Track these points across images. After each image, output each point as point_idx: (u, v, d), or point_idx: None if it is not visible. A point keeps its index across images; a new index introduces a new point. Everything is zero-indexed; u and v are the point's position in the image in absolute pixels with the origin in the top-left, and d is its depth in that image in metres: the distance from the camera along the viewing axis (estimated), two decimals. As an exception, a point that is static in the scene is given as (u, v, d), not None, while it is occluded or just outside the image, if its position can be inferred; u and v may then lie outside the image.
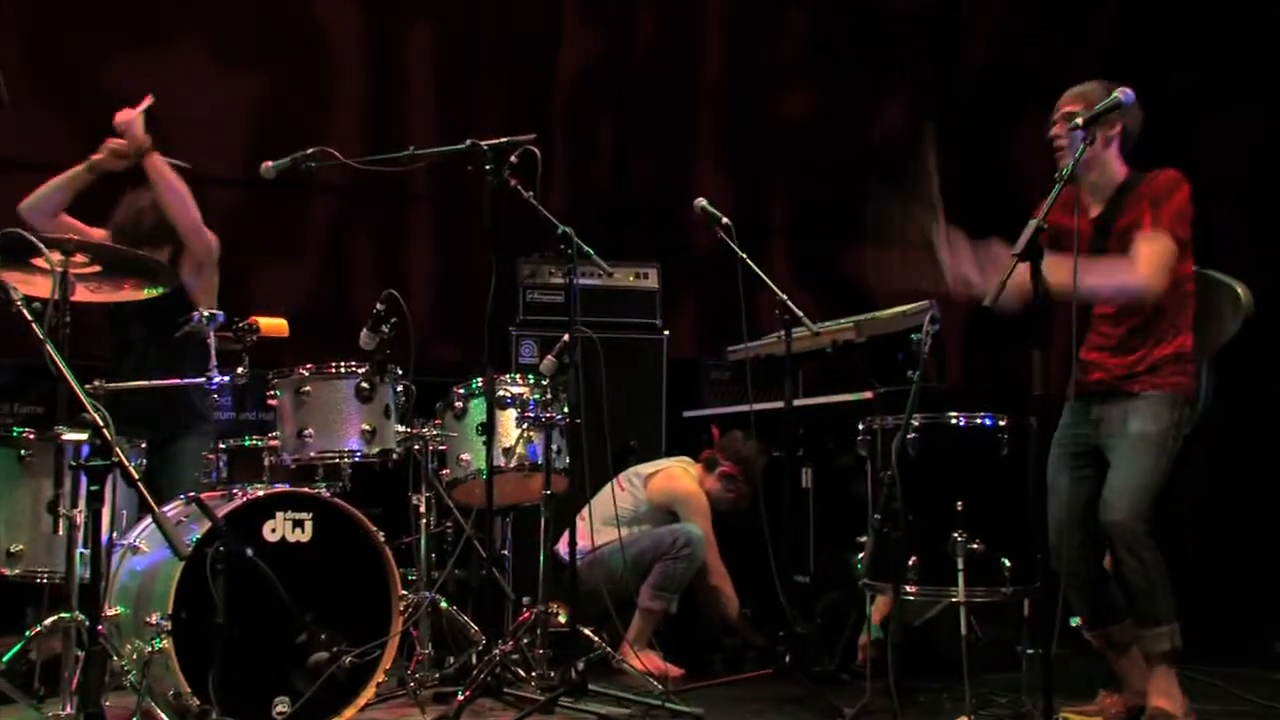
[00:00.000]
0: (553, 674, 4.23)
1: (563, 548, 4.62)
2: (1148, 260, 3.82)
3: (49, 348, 3.04)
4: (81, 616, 3.44)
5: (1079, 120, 3.61)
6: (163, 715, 3.56)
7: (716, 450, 5.34)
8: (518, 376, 4.68)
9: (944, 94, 7.44)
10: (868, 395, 5.04)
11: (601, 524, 4.86)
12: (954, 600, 4.01)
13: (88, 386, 3.94)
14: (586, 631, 4.40)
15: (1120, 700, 4.03)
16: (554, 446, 4.47)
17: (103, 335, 4.63)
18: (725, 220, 4.71)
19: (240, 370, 4.09)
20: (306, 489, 4.00)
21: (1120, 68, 3.93)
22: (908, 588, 4.02)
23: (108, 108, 5.91)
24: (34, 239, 3.26)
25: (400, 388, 4.33)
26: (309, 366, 4.21)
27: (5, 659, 3.50)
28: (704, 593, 5.20)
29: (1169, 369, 3.90)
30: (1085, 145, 3.62)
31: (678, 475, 5.26)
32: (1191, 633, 3.95)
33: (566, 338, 4.45)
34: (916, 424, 4.10)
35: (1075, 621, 4.12)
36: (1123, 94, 3.63)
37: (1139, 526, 3.81)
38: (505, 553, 5.01)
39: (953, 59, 7.56)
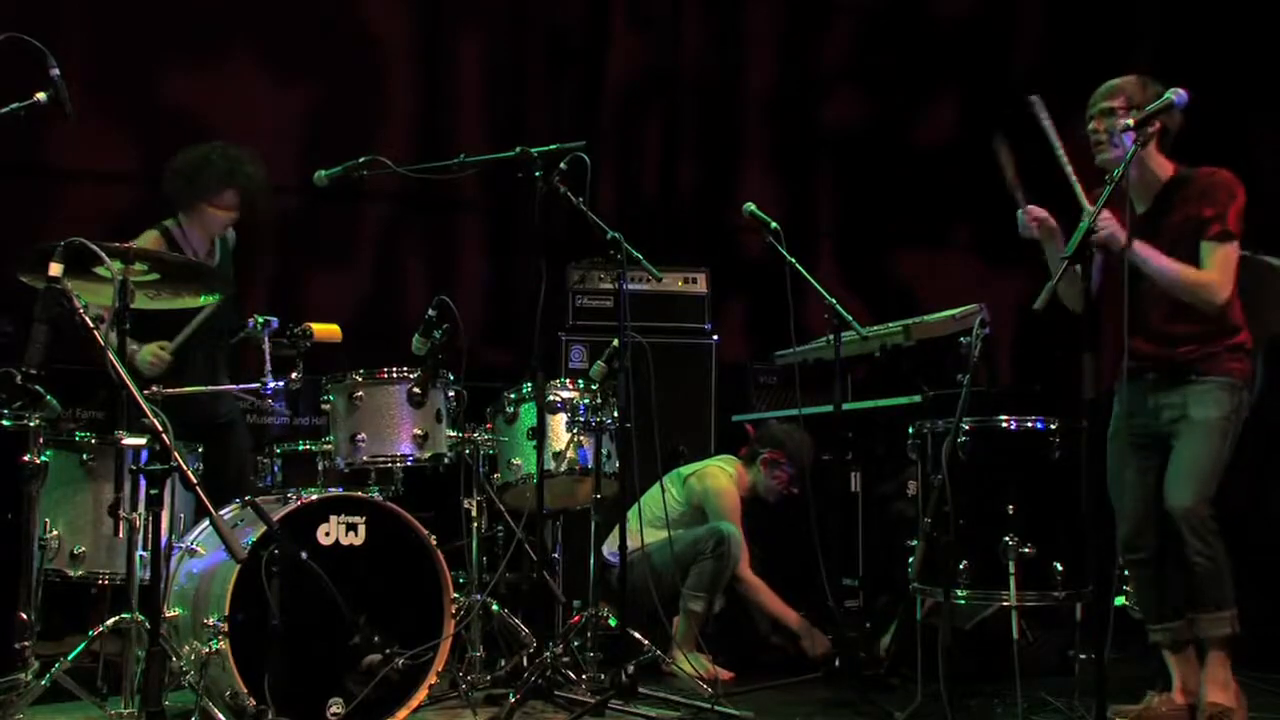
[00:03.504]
0: (603, 676, 4.25)
1: (604, 550, 4.66)
2: (1222, 268, 3.81)
3: (110, 354, 3.11)
4: (142, 618, 3.52)
5: (1129, 122, 3.59)
6: (220, 715, 3.61)
7: (755, 440, 5.33)
8: (568, 381, 4.71)
9: (993, 95, 7.38)
10: (917, 399, 5.02)
11: (646, 525, 4.88)
12: (1005, 604, 3.99)
13: (146, 392, 4.02)
14: (636, 634, 4.41)
15: (1169, 700, 3.99)
16: (604, 451, 4.50)
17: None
18: (774, 225, 4.71)
19: (294, 375, 4.15)
20: (359, 493, 4.05)
21: (1172, 64, 3.91)
22: (959, 591, 4.01)
23: (166, 119, 6.07)
24: (95, 247, 3.33)
25: (452, 393, 4.38)
26: (361, 372, 4.26)
27: (70, 657, 3.58)
28: (742, 593, 5.22)
29: (1227, 357, 3.87)
30: (1137, 146, 3.60)
31: (712, 474, 5.26)
32: (1253, 639, 3.90)
33: (616, 342, 4.47)
34: (967, 427, 4.09)
35: (1121, 601, 4.08)
36: (1175, 95, 3.60)
37: (1204, 510, 3.78)
38: (556, 556, 5.04)
39: (1002, 60, 7.51)
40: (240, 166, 4.62)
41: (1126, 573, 4.13)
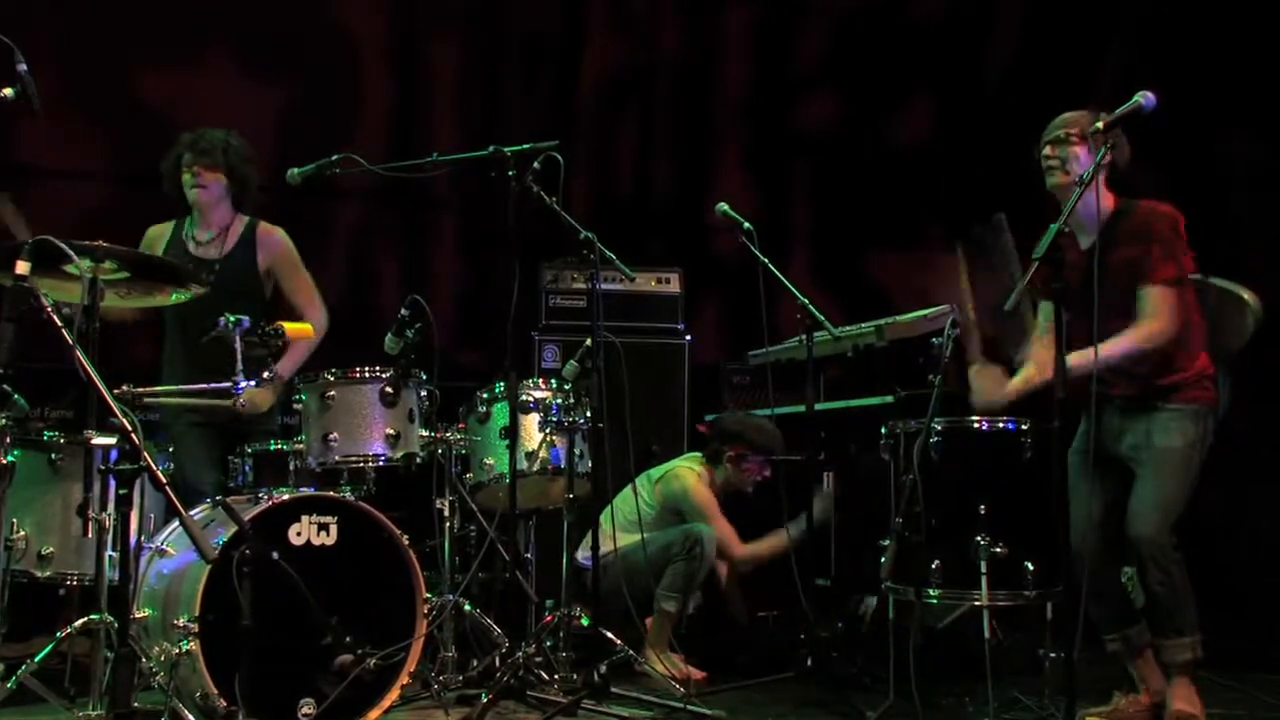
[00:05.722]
0: (575, 676, 4.25)
1: (578, 554, 4.66)
2: (1154, 312, 3.85)
3: (78, 353, 3.09)
4: (111, 619, 3.49)
5: (1099, 125, 3.62)
6: (190, 716, 3.59)
7: (711, 439, 5.31)
8: (540, 381, 4.71)
9: (967, 97, 7.42)
10: (889, 399, 5.04)
11: (618, 527, 4.88)
12: (977, 604, 4.01)
13: (116, 392, 4.00)
14: (609, 634, 4.41)
15: (1136, 701, 4.04)
16: (576, 451, 4.50)
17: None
18: (747, 225, 4.72)
19: (266, 375, 4.12)
20: (331, 493, 4.04)
21: (1143, 75, 3.95)
22: (930, 591, 4.03)
23: (139, 117, 6.03)
24: (64, 245, 3.30)
25: (424, 392, 4.37)
26: (334, 371, 4.25)
27: (37, 659, 3.56)
28: (747, 570, 5.21)
29: (1192, 385, 3.93)
30: (1106, 149, 3.62)
31: (679, 474, 5.25)
32: (1217, 639, 3.94)
33: (589, 342, 4.47)
34: (939, 428, 4.11)
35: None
36: (1144, 98, 3.62)
37: (1165, 540, 3.84)
38: (528, 556, 5.04)
39: (976, 63, 7.54)
40: (192, 132, 4.62)
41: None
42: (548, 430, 4.53)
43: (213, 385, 4.19)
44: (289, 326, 4.18)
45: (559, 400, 4.56)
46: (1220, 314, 4.01)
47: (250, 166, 4.66)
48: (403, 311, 4.38)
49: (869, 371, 5.24)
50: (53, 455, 3.84)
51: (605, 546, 4.71)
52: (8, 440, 3.65)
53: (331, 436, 4.19)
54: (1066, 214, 3.53)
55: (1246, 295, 4.08)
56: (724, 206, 4.80)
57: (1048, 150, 3.98)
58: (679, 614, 5.00)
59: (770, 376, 5.14)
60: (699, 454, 5.41)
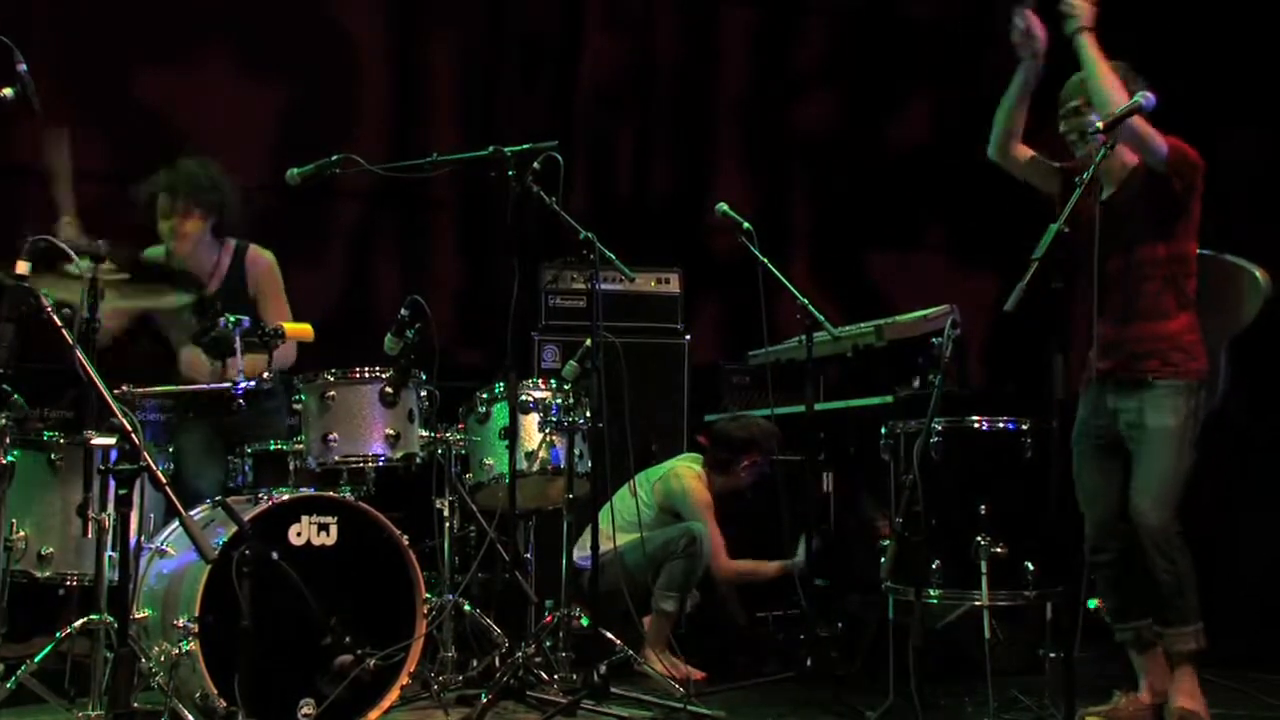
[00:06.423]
0: (575, 676, 4.25)
1: (575, 553, 4.66)
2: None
3: (78, 353, 3.09)
4: (110, 619, 3.49)
5: (1099, 124, 3.62)
6: (190, 717, 3.59)
7: (719, 449, 5.28)
8: (540, 381, 4.72)
9: (966, 97, 7.42)
10: (889, 399, 5.04)
11: (616, 528, 4.88)
12: (977, 604, 4.02)
13: (116, 392, 4.00)
14: (608, 634, 4.41)
15: (1136, 700, 4.02)
16: (576, 451, 4.50)
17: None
18: (747, 225, 4.72)
19: (265, 375, 4.12)
20: (331, 493, 4.04)
21: (1144, 72, 3.95)
22: (931, 591, 4.03)
23: (138, 118, 6.03)
24: (64, 246, 3.31)
25: (424, 392, 4.37)
26: (333, 371, 4.25)
27: (37, 659, 3.56)
28: (730, 581, 5.21)
29: (1179, 355, 3.87)
30: (1107, 149, 3.62)
31: (681, 474, 5.23)
32: (1218, 637, 3.94)
33: (589, 342, 4.47)
34: (939, 428, 4.11)
35: (1094, 604, 4.11)
36: (1144, 98, 3.63)
37: (1170, 526, 3.82)
38: (528, 556, 5.04)
39: (974, 62, 7.53)
40: (166, 172, 4.54)
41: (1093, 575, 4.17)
42: (547, 430, 4.53)
43: (212, 385, 4.20)
44: (289, 326, 4.19)
45: (559, 400, 4.56)
46: (1230, 288, 3.98)
47: (222, 195, 4.57)
48: (402, 312, 4.38)
49: (869, 372, 5.24)
50: (53, 455, 3.84)
51: (604, 546, 4.71)
52: (8, 440, 3.65)
53: (331, 437, 4.18)
54: (1066, 213, 3.52)
55: (1259, 273, 4.05)
56: (724, 206, 4.80)
57: (1064, 127, 3.97)
58: (677, 613, 5.00)
59: (770, 377, 5.14)
60: (699, 454, 5.41)
